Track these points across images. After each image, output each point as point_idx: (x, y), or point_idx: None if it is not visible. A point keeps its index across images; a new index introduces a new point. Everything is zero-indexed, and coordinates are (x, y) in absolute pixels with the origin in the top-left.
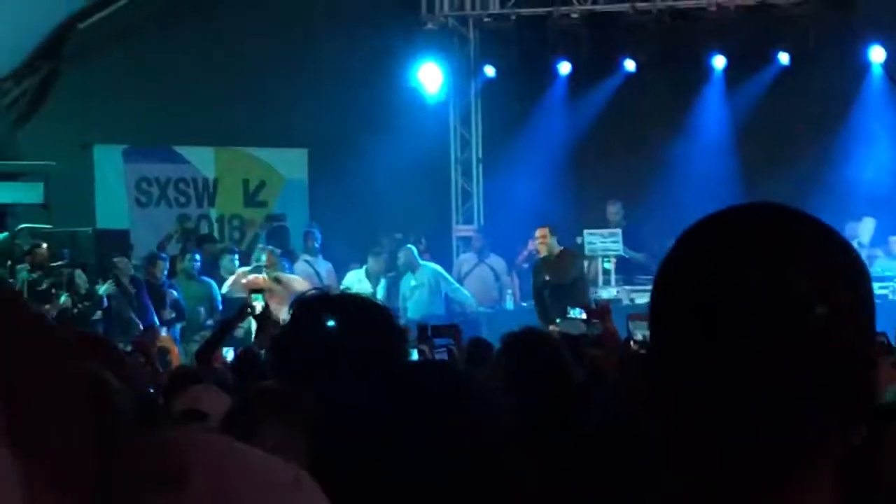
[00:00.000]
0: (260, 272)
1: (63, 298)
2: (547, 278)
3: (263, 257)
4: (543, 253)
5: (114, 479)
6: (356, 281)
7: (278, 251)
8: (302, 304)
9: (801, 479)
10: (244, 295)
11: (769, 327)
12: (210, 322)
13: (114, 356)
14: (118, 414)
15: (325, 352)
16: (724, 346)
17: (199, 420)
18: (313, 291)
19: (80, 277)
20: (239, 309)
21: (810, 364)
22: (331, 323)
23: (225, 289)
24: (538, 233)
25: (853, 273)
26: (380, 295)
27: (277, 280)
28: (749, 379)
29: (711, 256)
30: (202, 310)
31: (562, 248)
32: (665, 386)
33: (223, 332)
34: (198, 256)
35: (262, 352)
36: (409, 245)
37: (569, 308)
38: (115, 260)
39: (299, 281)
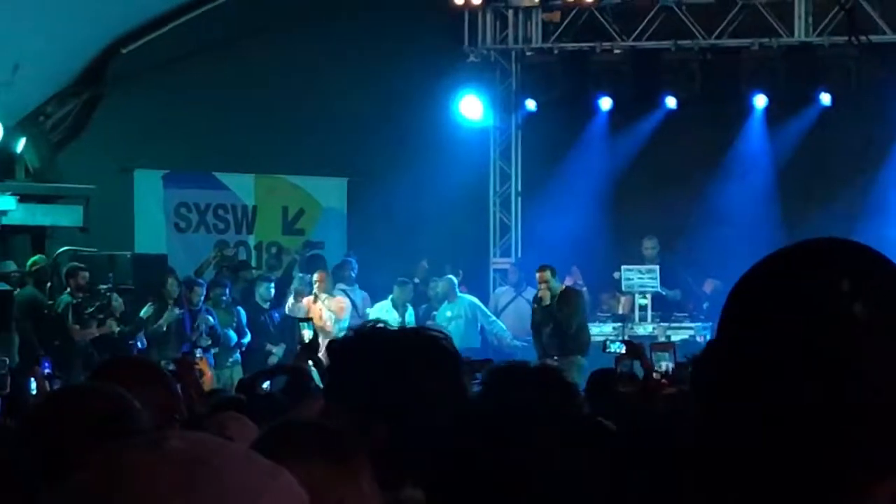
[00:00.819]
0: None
1: (109, 322)
2: (548, 319)
3: (315, 276)
4: (547, 300)
5: None
6: (384, 311)
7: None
8: (360, 337)
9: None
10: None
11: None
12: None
13: (162, 381)
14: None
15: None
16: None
17: None
18: (380, 324)
19: (117, 301)
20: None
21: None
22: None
23: (287, 309)
24: (539, 276)
25: None
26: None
27: (326, 304)
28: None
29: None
30: (231, 333)
31: (563, 286)
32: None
33: (275, 370)
34: (227, 290)
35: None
36: (449, 275)
37: (609, 342)
38: (168, 281)
39: (338, 302)
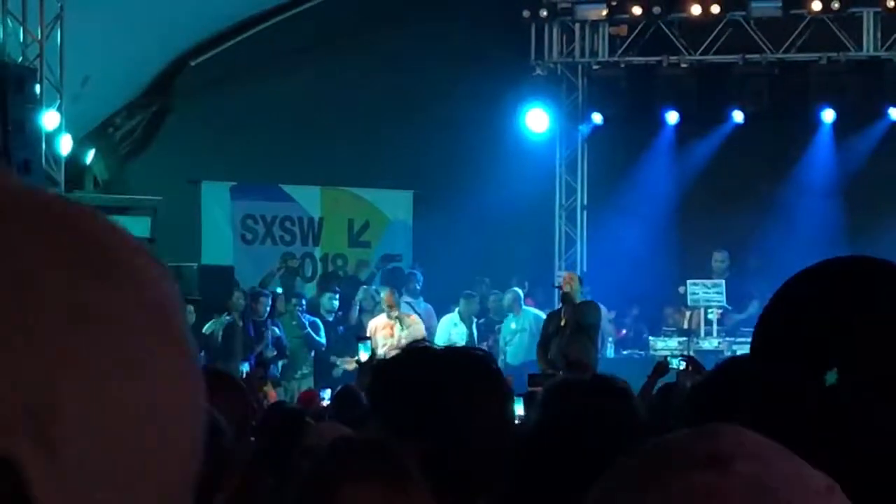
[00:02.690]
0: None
1: None
2: (562, 324)
3: (383, 295)
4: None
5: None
6: (451, 325)
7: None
8: (406, 356)
9: None
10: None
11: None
12: (309, 366)
13: (236, 391)
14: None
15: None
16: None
17: None
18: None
19: (191, 314)
20: None
21: None
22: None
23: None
24: (565, 275)
25: None
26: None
27: (400, 320)
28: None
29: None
30: (321, 338)
31: (585, 300)
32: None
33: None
34: (304, 301)
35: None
36: (515, 287)
37: (670, 358)
38: (234, 293)
39: (418, 323)
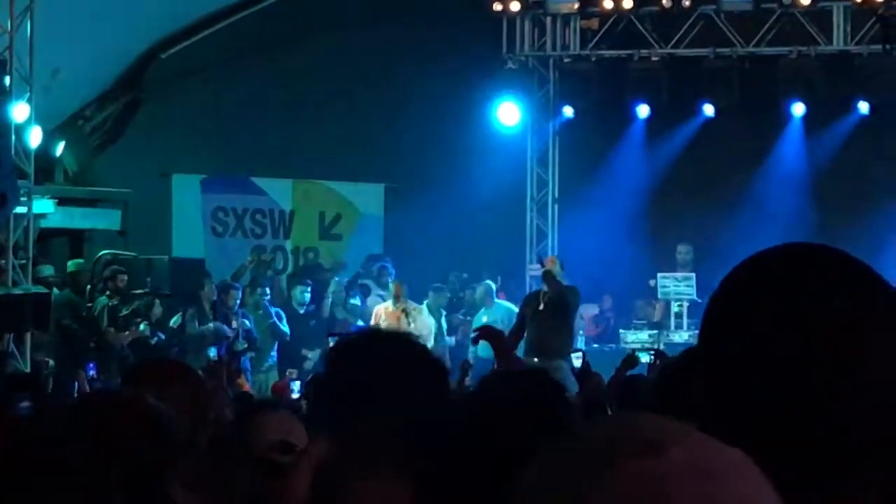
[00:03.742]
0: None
1: (143, 327)
2: (540, 307)
3: (392, 286)
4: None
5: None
6: (424, 315)
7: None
8: (340, 346)
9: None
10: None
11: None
12: (275, 355)
13: (192, 382)
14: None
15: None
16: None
17: (288, 452)
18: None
19: (158, 307)
20: None
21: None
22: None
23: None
24: (549, 257)
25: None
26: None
27: (406, 312)
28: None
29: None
30: (285, 327)
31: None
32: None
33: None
34: (268, 290)
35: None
36: (487, 281)
37: (639, 352)
38: (205, 285)
39: (424, 316)
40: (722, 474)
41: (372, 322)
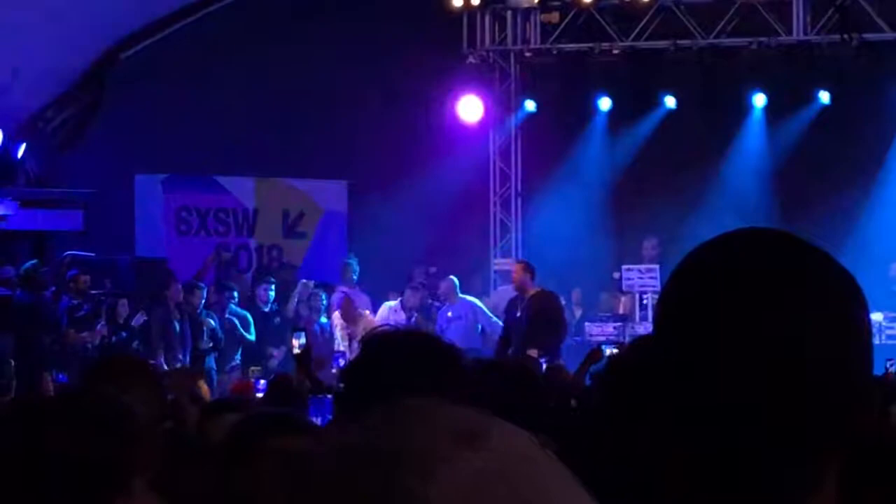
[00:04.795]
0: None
1: (100, 326)
2: (518, 314)
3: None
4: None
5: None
6: (391, 312)
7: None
8: (372, 341)
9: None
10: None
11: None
12: (238, 357)
13: (150, 380)
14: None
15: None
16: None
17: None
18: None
19: (123, 307)
20: None
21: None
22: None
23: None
24: (515, 267)
25: (837, 311)
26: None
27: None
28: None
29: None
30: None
31: (538, 288)
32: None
33: None
34: (236, 294)
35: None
36: (451, 276)
37: (603, 346)
38: (169, 285)
39: (369, 316)
40: (542, 459)
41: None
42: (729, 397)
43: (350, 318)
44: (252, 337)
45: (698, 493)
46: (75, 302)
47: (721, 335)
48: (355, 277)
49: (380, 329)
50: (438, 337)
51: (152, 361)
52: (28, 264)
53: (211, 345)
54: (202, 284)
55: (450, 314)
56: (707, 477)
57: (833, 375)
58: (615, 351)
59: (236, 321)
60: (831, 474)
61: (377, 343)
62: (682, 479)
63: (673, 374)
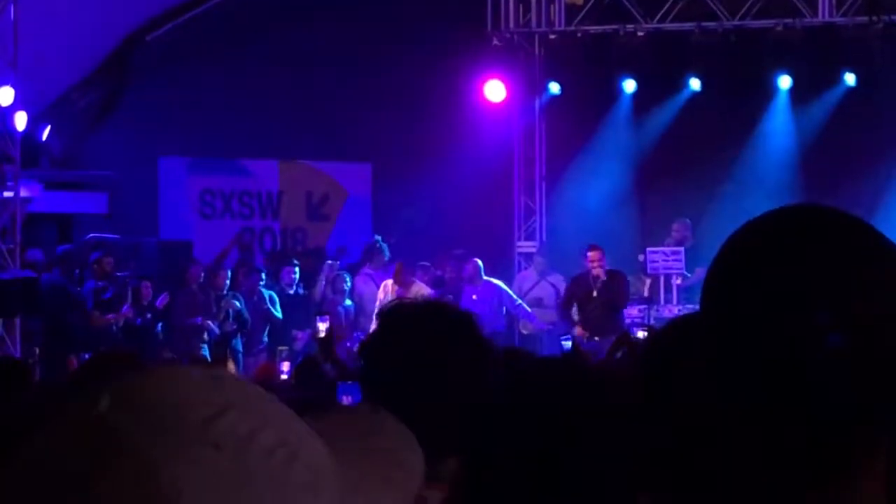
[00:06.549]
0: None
1: (125, 308)
2: (595, 295)
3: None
4: (602, 277)
5: None
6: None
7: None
8: (388, 314)
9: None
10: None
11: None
12: (266, 338)
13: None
14: None
15: (411, 364)
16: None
17: None
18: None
19: (147, 289)
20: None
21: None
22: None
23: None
24: (593, 255)
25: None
26: None
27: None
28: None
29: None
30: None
31: (609, 269)
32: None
33: None
34: (263, 275)
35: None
36: (476, 259)
37: (632, 328)
38: (192, 267)
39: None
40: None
41: (380, 295)
42: (789, 369)
43: (403, 282)
44: (279, 313)
45: (743, 464)
46: (100, 284)
47: (773, 305)
48: (386, 258)
49: (395, 301)
50: (454, 306)
51: (172, 345)
52: (65, 246)
53: (235, 326)
54: (226, 266)
55: (474, 297)
56: (749, 446)
57: (885, 344)
58: (646, 335)
59: (265, 293)
60: (882, 450)
61: (392, 315)
62: (731, 450)
63: (724, 339)
